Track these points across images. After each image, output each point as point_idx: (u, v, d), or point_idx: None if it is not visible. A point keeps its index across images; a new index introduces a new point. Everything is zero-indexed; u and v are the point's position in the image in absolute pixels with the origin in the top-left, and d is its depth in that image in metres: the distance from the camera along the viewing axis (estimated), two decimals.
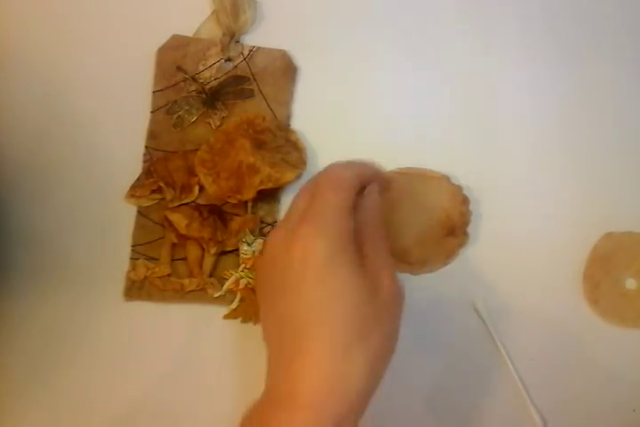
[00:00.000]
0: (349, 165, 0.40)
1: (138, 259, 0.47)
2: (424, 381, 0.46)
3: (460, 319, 0.47)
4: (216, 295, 0.46)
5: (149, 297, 0.46)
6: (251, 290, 0.46)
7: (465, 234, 0.47)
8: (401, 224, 0.47)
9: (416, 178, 0.48)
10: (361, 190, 0.40)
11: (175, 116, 0.48)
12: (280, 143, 0.47)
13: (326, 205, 0.37)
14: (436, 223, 0.47)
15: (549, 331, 0.47)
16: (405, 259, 0.47)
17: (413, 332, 0.46)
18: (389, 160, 0.48)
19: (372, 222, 0.39)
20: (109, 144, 0.48)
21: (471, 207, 0.47)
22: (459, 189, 0.47)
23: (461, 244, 0.47)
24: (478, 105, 0.49)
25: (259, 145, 0.46)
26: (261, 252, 0.46)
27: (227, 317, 0.46)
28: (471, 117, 0.49)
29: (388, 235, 0.40)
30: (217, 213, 0.47)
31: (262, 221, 0.47)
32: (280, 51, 0.49)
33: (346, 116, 0.49)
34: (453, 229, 0.47)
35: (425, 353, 0.47)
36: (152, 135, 0.48)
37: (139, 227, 0.47)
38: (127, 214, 0.47)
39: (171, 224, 0.46)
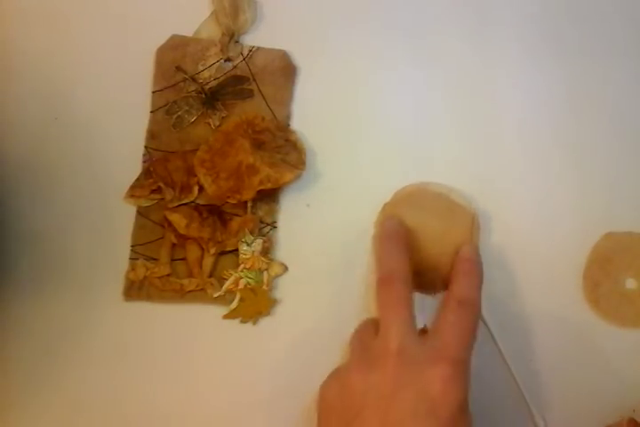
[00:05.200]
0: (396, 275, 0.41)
1: (137, 259, 0.47)
2: None
3: None
4: (215, 295, 0.46)
5: (149, 297, 0.46)
6: (250, 290, 0.46)
7: None
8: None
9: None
10: None
11: (175, 116, 0.48)
12: (279, 143, 0.47)
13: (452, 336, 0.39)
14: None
15: (549, 331, 0.47)
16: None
17: None
18: (389, 160, 0.48)
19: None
20: (109, 144, 0.48)
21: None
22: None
23: None
24: (478, 105, 0.49)
25: (258, 145, 0.46)
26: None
27: (226, 317, 0.46)
28: (471, 118, 0.49)
29: None
30: (216, 214, 0.47)
31: (262, 222, 0.47)
32: (279, 51, 0.49)
33: (345, 116, 0.49)
34: None
35: None
36: (152, 135, 0.48)
37: (138, 227, 0.47)
38: (127, 214, 0.47)
39: (170, 224, 0.46)
